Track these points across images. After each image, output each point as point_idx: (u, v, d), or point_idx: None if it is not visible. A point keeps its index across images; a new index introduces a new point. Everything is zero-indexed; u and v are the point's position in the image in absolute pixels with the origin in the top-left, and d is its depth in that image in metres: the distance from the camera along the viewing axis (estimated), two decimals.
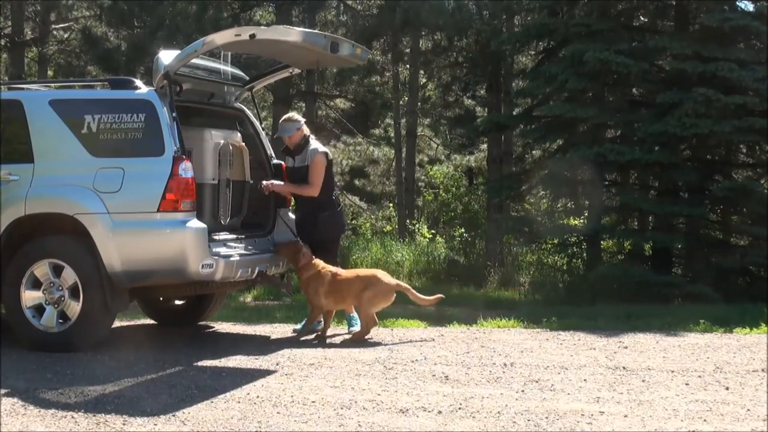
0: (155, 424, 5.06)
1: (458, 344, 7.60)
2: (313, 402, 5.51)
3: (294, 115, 8.23)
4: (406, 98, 21.73)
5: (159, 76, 7.07)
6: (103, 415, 5.23)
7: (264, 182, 7.89)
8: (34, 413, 5.30)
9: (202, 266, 6.82)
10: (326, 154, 7.93)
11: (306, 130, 7.98)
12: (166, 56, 7.15)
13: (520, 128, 15.38)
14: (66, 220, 6.97)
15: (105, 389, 5.84)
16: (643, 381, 6.14)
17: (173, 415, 5.22)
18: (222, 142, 7.75)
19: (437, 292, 8.23)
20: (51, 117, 7.20)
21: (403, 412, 5.28)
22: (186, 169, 6.89)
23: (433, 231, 19.51)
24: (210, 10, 15.60)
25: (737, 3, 14.60)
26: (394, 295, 7.69)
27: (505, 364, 6.68)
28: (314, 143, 7.98)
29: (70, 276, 7.00)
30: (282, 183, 7.96)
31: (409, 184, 21.31)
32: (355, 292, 7.57)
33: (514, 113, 16.42)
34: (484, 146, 20.95)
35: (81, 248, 6.96)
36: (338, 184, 8.65)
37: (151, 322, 8.80)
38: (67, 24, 21.08)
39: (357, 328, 7.84)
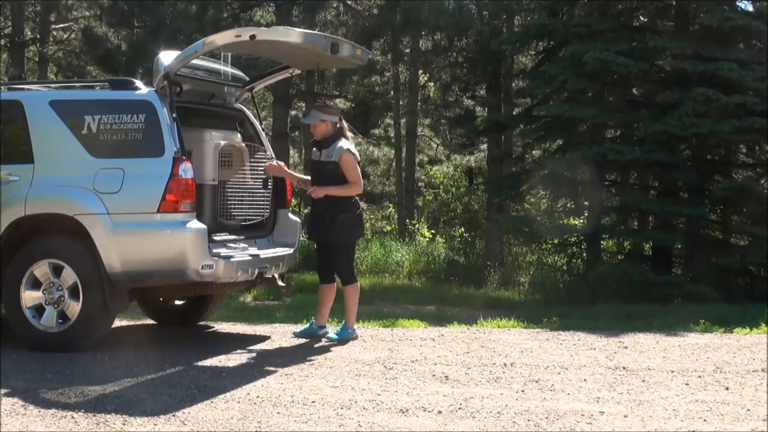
0: (155, 424, 5.06)
1: (458, 344, 7.60)
2: (313, 402, 5.51)
3: (328, 107, 8.07)
4: (406, 98, 21.76)
5: (159, 76, 7.06)
6: (103, 415, 5.23)
7: (309, 188, 7.53)
8: (34, 413, 5.30)
9: (202, 267, 6.81)
10: (353, 153, 7.57)
11: (333, 126, 7.60)
12: (167, 57, 7.14)
13: (520, 128, 15.41)
14: (66, 220, 6.96)
15: (105, 389, 5.83)
16: (643, 381, 6.14)
17: (173, 415, 5.22)
18: (222, 142, 7.75)
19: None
20: (51, 117, 7.18)
21: (403, 412, 5.28)
22: (186, 169, 6.87)
23: (433, 231, 19.54)
24: (210, 10, 15.62)
25: (737, 3, 14.58)
26: None
27: (505, 364, 6.68)
28: (343, 141, 7.58)
29: (70, 276, 6.98)
30: (325, 188, 7.48)
31: (409, 184, 21.35)
32: None
33: (514, 113, 16.43)
34: (484, 146, 20.98)
35: (81, 248, 6.95)
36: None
37: (151, 322, 8.79)
38: (67, 24, 21.11)
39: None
